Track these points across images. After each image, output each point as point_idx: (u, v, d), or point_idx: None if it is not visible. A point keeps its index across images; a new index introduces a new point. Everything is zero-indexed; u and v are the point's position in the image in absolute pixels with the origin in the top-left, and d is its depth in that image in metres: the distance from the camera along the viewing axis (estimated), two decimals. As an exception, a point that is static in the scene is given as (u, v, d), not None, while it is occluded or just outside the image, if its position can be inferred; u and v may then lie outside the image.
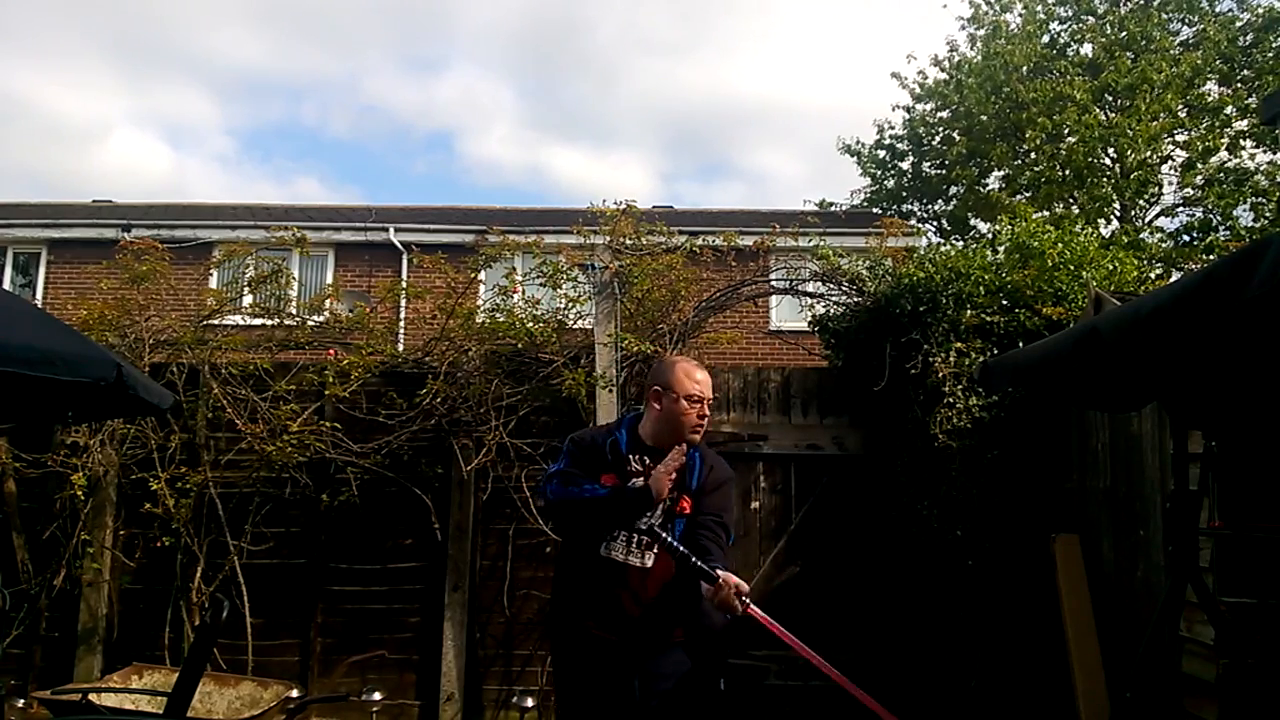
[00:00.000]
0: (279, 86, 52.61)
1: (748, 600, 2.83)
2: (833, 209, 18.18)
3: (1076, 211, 15.73)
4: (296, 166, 55.60)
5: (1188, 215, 16.02)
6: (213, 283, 9.09)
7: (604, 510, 2.91)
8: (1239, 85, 16.17)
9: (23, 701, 4.93)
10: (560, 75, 49.04)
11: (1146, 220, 16.68)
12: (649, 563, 2.92)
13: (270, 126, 54.45)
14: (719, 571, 2.79)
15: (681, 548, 2.84)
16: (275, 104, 53.31)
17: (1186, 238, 14.96)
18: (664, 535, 2.86)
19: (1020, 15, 17.64)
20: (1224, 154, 15.87)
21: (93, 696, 4.04)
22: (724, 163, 49.21)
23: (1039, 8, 17.62)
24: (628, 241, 5.85)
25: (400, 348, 6.43)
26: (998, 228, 7.08)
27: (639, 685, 2.89)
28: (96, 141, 43.05)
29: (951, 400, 4.95)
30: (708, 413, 3.03)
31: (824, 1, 42.11)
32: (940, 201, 19.29)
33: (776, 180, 42.83)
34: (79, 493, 5.20)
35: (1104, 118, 15.89)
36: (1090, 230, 8.67)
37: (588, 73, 48.83)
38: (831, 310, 6.05)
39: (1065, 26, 17.72)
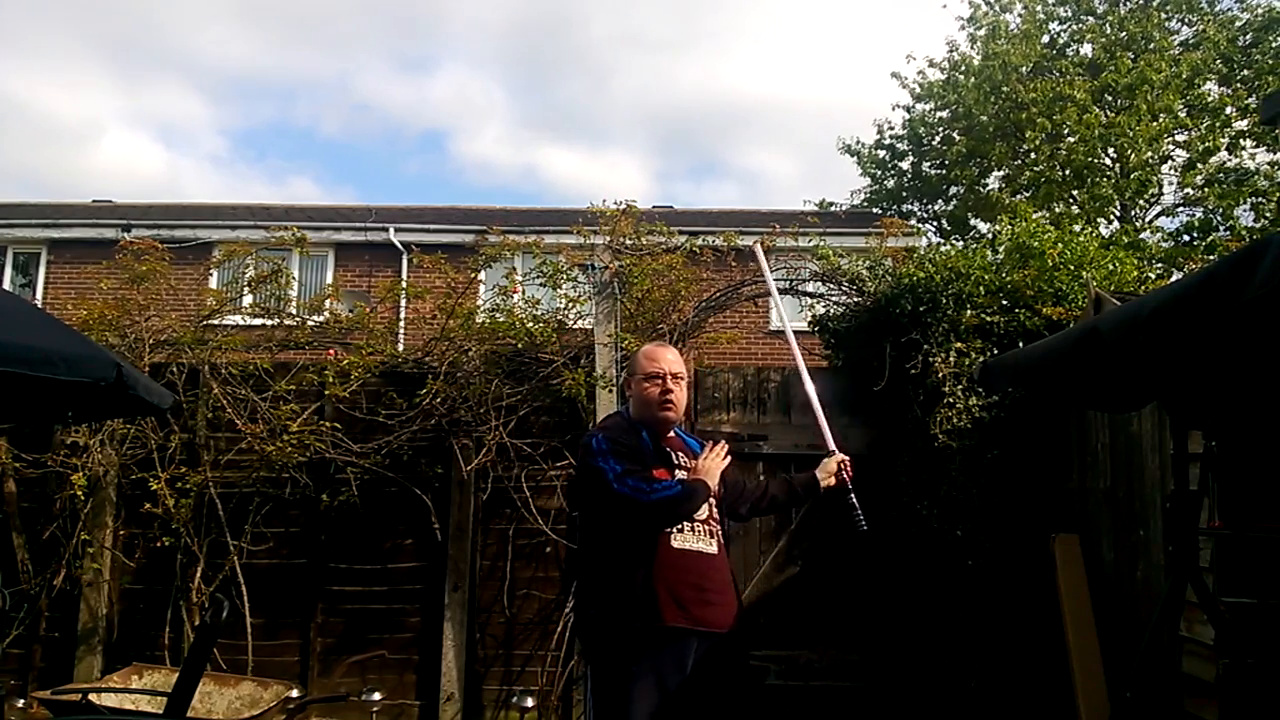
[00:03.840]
0: (270, 86, 52.69)
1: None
2: (833, 209, 18.18)
3: (1076, 211, 15.73)
4: (290, 166, 55.71)
5: (1188, 215, 15.99)
6: (213, 283, 9.08)
7: (680, 506, 2.93)
8: (1239, 85, 16.16)
9: (23, 701, 4.93)
10: (553, 74, 49.10)
11: (1146, 220, 16.67)
12: (715, 549, 2.96)
13: (263, 126, 54.56)
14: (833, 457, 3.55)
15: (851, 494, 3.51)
16: (267, 104, 53.38)
17: (1186, 238, 14.92)
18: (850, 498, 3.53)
19: (1020, 15, 17.64)
20: (1224, 154, 15.87)
21: (93, 696, 4.04)
22: (717, 162, 49.28)
23: (1039, 8, 17.62)
24: (628, 241, 5.84)
25: (400, 348, 6.43)
26: (998, 228, 7.08)
27: (705, 677, 2.87)
28: (90, 142, 43.11)
29: (951, 400, 4.95)
30: (673, 387, 3.03)
31: None
32: (940, 201, 19.28)
33: (770, 180, 42.88)
34: (79, 493, 5.20)
35: (1104, 118, 15.88)
36: (1090, 230, 8.67)
37: (581, 71, 48.91)
38: (831, 310, 6.04)
39: (1065, 26, 17.72)
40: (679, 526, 2.92)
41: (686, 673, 2.85)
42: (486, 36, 48.08)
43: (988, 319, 5.12)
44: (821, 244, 6.27)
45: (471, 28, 49.47)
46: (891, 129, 19.26)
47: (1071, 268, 5.35)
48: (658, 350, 3.14)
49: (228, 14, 46.82)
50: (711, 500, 3.01)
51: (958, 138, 17.64)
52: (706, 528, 2.96)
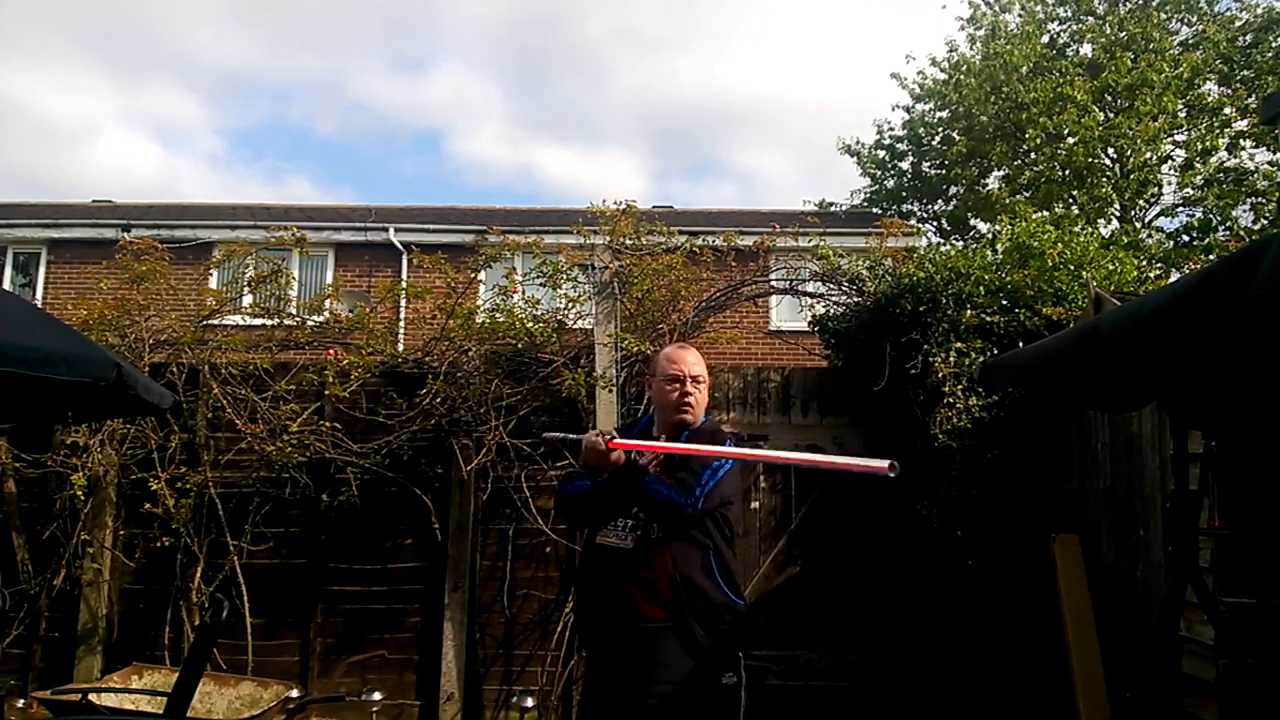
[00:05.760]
0: (265, 86, 52.69)
1: (609, 436, 2.93)
2: (832, 209, 18.18)
3: (1076, 211, 15.72)
4: (287, 166, 55.73)
5: (1188, 215, 16.00)
6: (213, 283, 9.08)
7: (582, 504, 3.02)
8: (1239, 85, 16.16)
9: (23, 701, 4.93)
10: (549, 72, 49.05)
11: (1146, 220, 16.67)
12: (630, 544, 2.88)
13: (259, 126, 54.55)
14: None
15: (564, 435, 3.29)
16: (262, 104, 53.38)
17: (1186, 238, 14.92)
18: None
19: (1019, 16, 17.64)
20: (1224, 154, 15.87)
21: (93, 696, 4.04)
22: (714, 161, 49.24)
23: (1039, 8, 17.62)
24: (627, 241, 5.85)
25: (400, 348, 6.43)
26: (998, 228, 7.09)
27: (637, 680, 2.82)
28: (88, 142, 43.08)
29: (951, 400, 4.95)
30: (692, 390, 3.03)
31: (817, -2, 42.08)
32: (940, 201, 19.27)
33: (768, 179, 42.85)
34: (79, 493, 5.19)
35: (1104, 118, 15.88)
36: (1090, 230, 8.65)
37: (577, 70, 48.84)
38: (831, 310, 6.05)
39: (1065, 26, 17.72)
40: (609, 523, 2.95)
41: (614, 667, 2.88)
42: (481, 35, 48.14)
43: (988, 319, 5.12)
44: (821, 244, 6.28)
45: (466, 26, 49.51)
46: (891, 129, 19.27)
47: (1071, 268, 5.36)
48: (679, 353, 3.15)
49: (222, 14, 46.83)
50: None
51: (958, 138, 17.64)
52: (631, 522, 2.92)
